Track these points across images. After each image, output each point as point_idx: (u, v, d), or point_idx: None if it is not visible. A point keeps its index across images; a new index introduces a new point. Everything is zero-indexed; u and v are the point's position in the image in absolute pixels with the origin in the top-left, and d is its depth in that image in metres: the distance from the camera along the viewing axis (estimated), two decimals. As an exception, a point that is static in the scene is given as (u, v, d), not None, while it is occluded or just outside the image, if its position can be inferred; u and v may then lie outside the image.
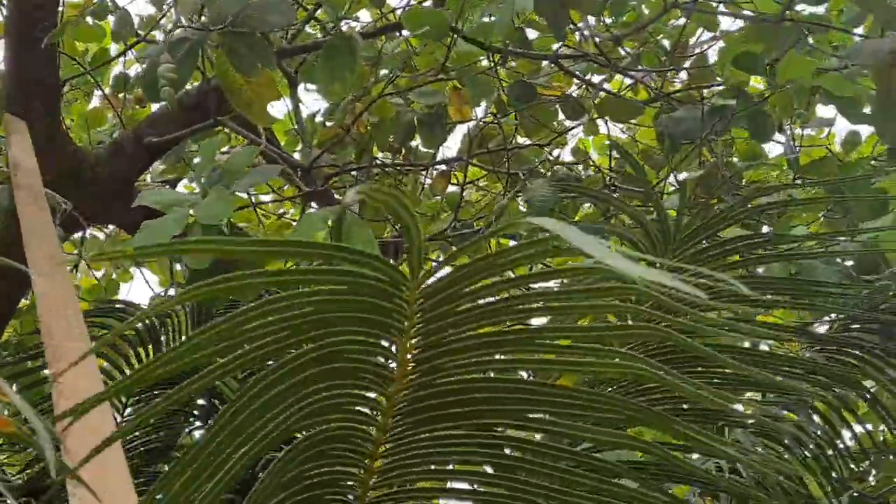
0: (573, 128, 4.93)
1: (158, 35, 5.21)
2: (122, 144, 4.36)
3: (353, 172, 4.98)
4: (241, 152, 3.68)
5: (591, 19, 4.41)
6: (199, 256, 2.88)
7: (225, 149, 5.27)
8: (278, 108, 5.76)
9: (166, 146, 4.38)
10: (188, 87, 5.04)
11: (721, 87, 4.16)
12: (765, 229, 4.86)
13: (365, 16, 5.89)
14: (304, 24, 4.38)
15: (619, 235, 2.54)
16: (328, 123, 5.14)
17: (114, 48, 5.26)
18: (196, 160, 4.50)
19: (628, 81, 4.75)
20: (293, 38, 4.49)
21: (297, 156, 5.91)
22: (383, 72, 4.94)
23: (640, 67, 4.60)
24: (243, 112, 3.48)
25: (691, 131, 4.01)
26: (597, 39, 4.98)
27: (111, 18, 4.92)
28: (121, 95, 5.10)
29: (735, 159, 4.92)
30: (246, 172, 3.37)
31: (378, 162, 5.19)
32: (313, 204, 4.99)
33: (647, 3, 3.77)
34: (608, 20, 4.65)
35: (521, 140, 5.29)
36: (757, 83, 4.52)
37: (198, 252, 1.47)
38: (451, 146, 5.56)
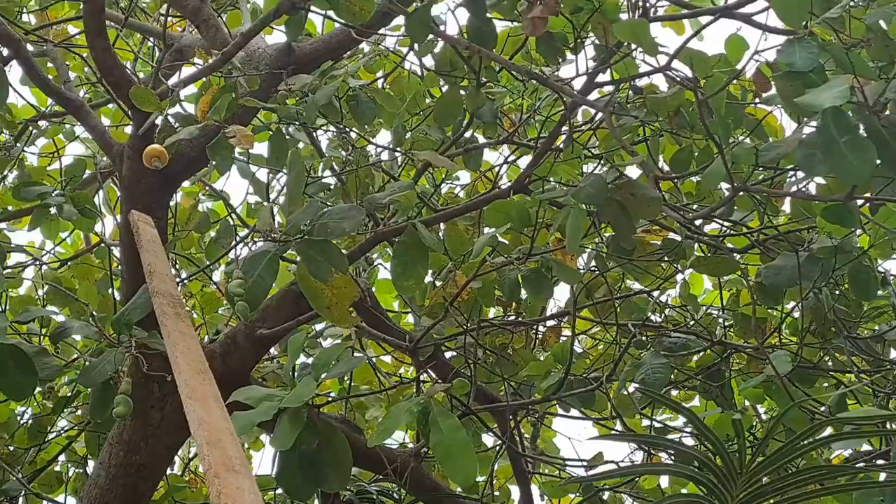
0: (675, 274, 4.90)
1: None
2: (235, 339, 4.49)
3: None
4: (330, 350, 3.78)
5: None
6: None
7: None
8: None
9: (277, 336, 4.50)
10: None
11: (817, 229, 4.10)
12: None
13: (465, 177, 6.03)
14: (391, 217, 4.46)
15: (690, 478, 2.51)
16: (437, 283, 5.22)
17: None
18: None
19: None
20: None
21: (410, 317, 6.02)
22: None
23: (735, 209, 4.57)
24: (324, 316, 3.58)
25: (791, 280, 3.95)
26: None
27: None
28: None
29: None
30: (334, 365, 3.50)
31: (486, 321, 5.22)
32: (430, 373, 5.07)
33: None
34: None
35: (628, 284, 5.27)
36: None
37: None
38: (560, 298, 5.57)
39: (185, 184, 5.79)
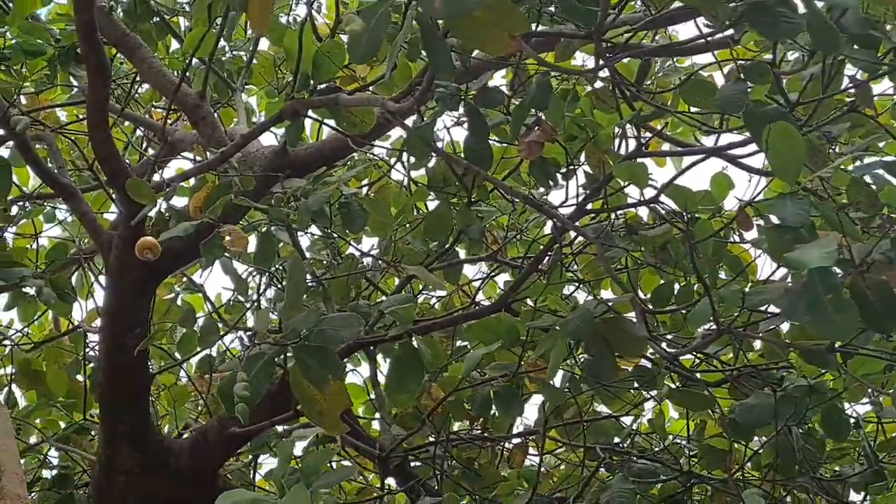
0: (645, 401, 4.96)
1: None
2: (205, 435, 4.50)
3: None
4: (317, 455, 3.80)
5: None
6: None
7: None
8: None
9: (249, 435, 4.50)
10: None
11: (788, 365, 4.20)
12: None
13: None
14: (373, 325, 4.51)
15: None
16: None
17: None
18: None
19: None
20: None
21: (375, 423, 6.02)
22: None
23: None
24: (315, 422, 3.61)
25: (764, 418, 4.02)
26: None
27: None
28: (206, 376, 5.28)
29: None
30: (323, 472, 3.50)
31: (454, 435, 5.24)
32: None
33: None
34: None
35: (597, 408, 5.32)
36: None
37: None
38: (530, 417, 5.60)
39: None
